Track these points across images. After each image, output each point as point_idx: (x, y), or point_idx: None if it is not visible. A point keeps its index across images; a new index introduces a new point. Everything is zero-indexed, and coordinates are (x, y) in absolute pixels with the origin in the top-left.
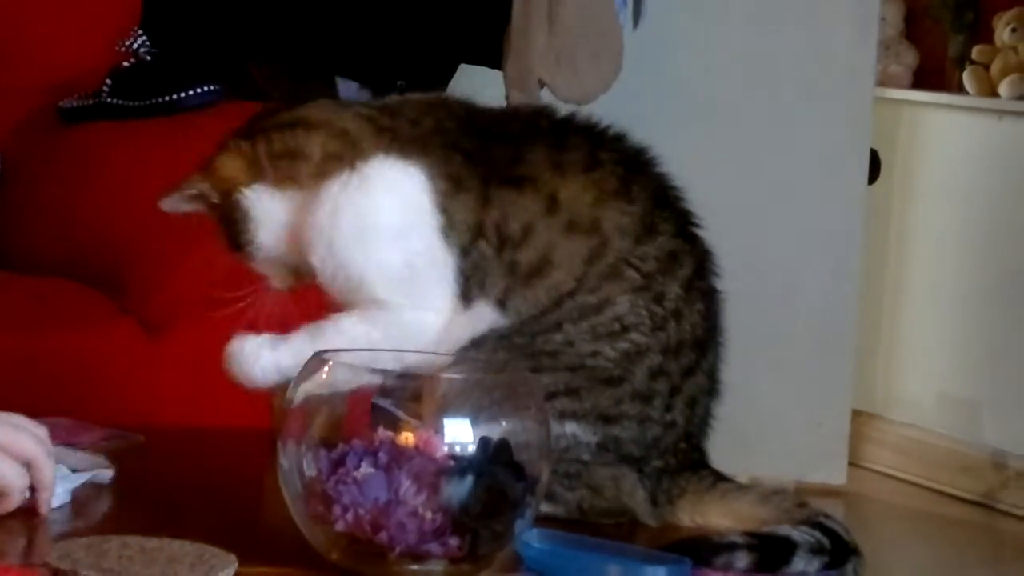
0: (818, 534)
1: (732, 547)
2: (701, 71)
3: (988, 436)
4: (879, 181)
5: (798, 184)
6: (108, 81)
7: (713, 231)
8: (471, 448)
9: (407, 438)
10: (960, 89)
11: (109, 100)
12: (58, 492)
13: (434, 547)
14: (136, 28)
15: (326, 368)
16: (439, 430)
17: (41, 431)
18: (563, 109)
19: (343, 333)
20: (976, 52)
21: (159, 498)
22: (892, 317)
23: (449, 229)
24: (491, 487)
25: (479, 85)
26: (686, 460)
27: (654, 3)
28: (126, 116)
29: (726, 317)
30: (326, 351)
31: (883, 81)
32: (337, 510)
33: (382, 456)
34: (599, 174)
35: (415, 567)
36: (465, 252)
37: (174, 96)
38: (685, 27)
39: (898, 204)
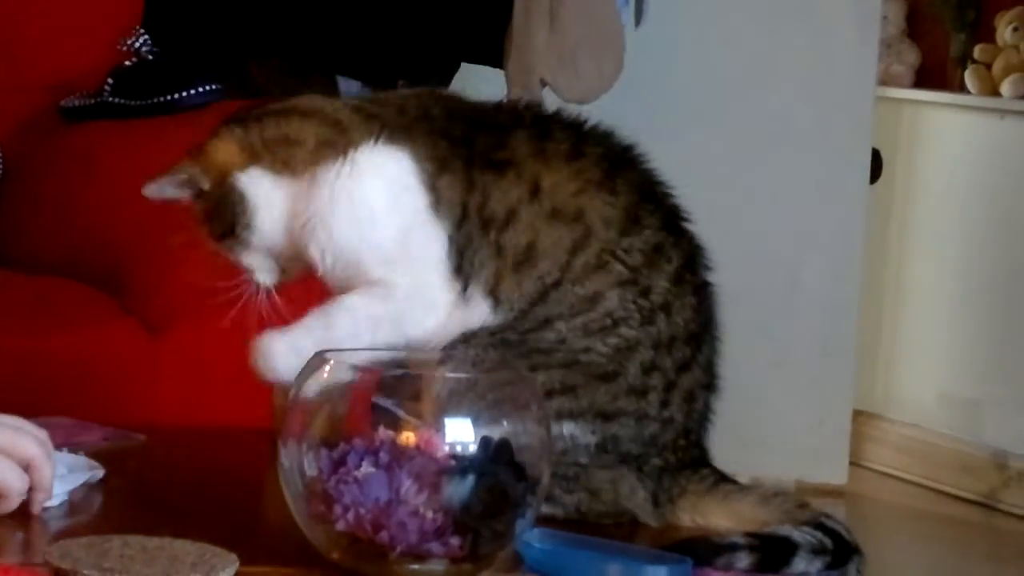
0: (819, 534)
1: (733, 547)
2: (702, 70)
3: (989, 436)
4: (880, 180)
5: (799, 183)
6: (109, 80)
7: (715, 230)
8: (472, 448)
9: (408, 438)
10: (962, 88)
11: (110, 99)
12: (56, 492)
13: (435, 547)
14: (138, 27)
15: (327, 367)
16: (440, 430)
17: (42, 433)
18: (565, 108)
19: (348, 310)
20: (978, 51)
21: (160, 497)
22: (893, 316)
23: (438, 205)
24: (492, 487)
25: (480, 84)
26: (686, 457)
27: (656, 2)
28: (127, 115)
29: (727, 316)
30: (327, 351)
31: (885, 80)
32: (338, 509)
33: (383, 455)
34: (582, 164)
35: (416, 567)
36: (457, 226)
37: (176, 95)
38: (687, 26)
39: (899, 203)
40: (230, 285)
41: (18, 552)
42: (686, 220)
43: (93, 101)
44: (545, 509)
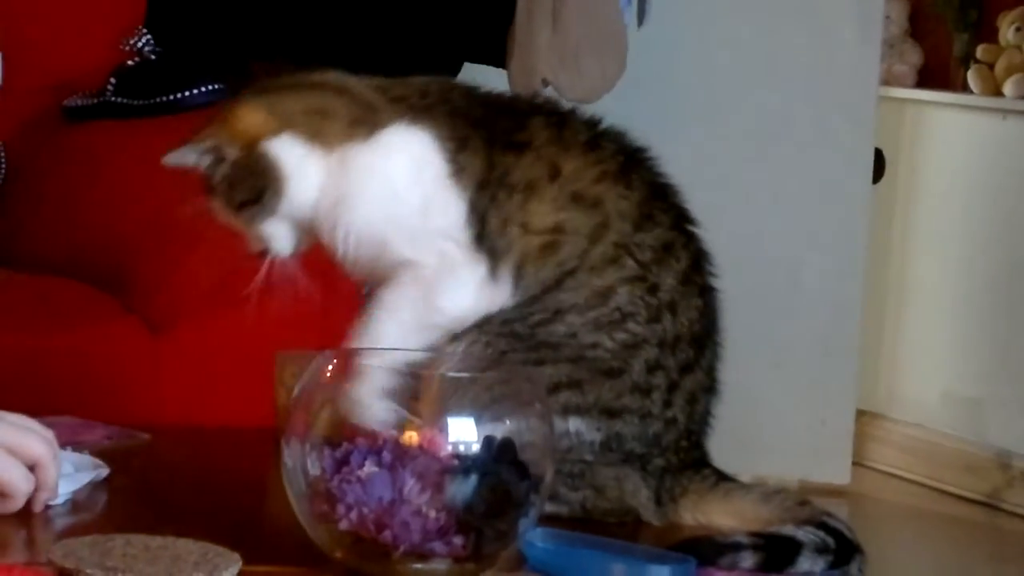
0: (822, 534)
1: (737, 547)
2: (704, 70)
3: (993, 436)
4: (883, 180)
5: (802, 183)
6: (112, 80)
7: (717, 230)
8: (475, 447)
9: (411, 437)
10: (964, 88)
11: (113, 99)
12: (62, 491)
13: (438, 546)
14: (140, 27)
15: (329, 366)
16: (443, 429)
17: (49, 433)
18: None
19: (385, 308)
20: (980, 51)
21: (163, 496)
22: (896, 316)
23: (460, 174)
24: (495, 486)
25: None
26: (688, 458)
27: (658, 2)
28: (130, 115)
29: (730, 316)
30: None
31: (887, 80)
32: (341, 509)
33: (386, 455)
34: (600, 155)
35: (419, 566)
36: (478, 189)
37: (178, 95)
38: (689, 26)
39: (902, 203)
40: (246, 263)
41: (22, 551)
42: (694, 224)
43: (96, 101)
44: (550, 507)
